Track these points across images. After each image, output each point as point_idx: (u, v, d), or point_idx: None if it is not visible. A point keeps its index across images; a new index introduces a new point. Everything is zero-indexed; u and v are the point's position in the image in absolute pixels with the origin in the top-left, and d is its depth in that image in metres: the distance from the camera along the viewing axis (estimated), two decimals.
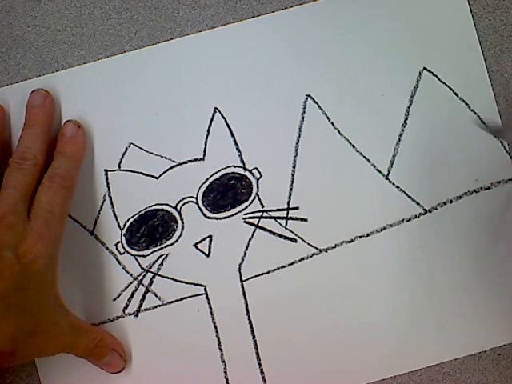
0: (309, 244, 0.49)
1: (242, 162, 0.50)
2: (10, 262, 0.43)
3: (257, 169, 0.50)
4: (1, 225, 0.44)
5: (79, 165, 0.49)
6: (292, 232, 0.49)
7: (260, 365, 0.49)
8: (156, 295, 0.50)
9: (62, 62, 0.51)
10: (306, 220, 0.49)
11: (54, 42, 0.51)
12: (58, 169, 0.47)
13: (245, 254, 0.49)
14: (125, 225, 0.50)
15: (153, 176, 0.50)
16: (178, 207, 0.49)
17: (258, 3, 0.50)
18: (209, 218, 0.49)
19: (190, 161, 0.50)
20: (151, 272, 0.50)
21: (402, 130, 0.49)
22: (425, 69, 0.49)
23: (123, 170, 0.50)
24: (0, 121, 0.49)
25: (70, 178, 0.47)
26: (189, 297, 0.49)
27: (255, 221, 0.49)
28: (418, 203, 0.49)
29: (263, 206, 0.50)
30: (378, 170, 0.49)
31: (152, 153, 0.50)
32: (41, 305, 0.44)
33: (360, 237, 0.49)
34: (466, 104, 0.49)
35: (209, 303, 0.49)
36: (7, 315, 0.43)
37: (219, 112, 0.50)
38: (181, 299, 0.50)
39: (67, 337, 0.46)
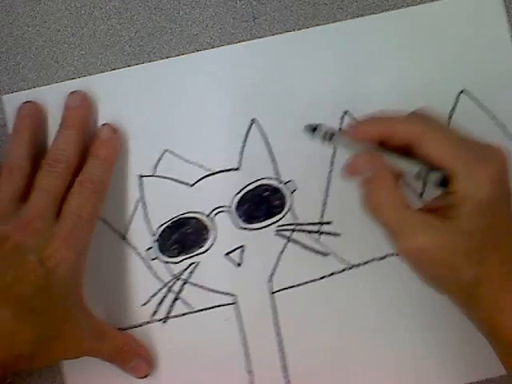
0: (340, 259, 0.49)
1: (277, 173, 0.50)
2: (34, 265, 0.43)
3: (291, 181, 0.50)
4: (28, 229, 0.44)
5: (111, 169, 0.48)
6: (324, 246, 0.49)
7: (286, 377, 0.49)
8: (185, 302, 0.50)
9: (61, 61, 0.51)
10: (338, 235, 0.50)
11: (53, 42, 0.51)
12: (89, 173, 0.47)
13: (276, 265, 0.50)
14: (157, 231, 0.50)
15: (187, 183, 0.50)
16: (211, 216, 0.49)
17: (258, 3, 0.50)
18: (241, 228, 0.50)
19: (225, 170, 0.50)
20: (182, 279, 0.50)
21: None
22: (463, 91, 0.50)
23: (158, 176, 0.50)
24: (37, 120, 0.49)
25: (101, 182, 0.47)
26: (218, 306, 0.50)
27: (288, 233, 0.50)
28: None
29: (296, 219, 0.50)
30: (412, 188, 0.49)
31: (187, 160, 0.50)
32: (63, 309, 0.44)
33: (392, 254, 0.49)
34: (503, 128, 0.50)
35: (238, 313, 0.49)
36: (28, 319, 0.42)
37: (256, 123, 0.50)
38: (210, 308, 0.50)
39: (89, 342, 0.46)
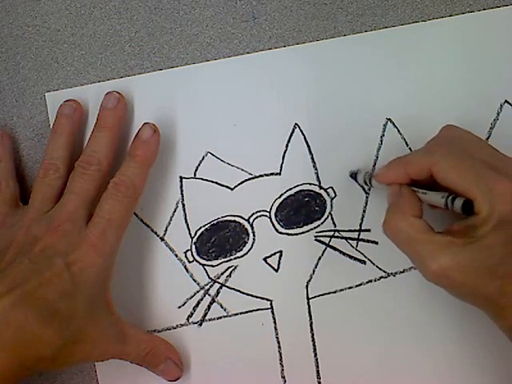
0: (377, 267, 0.49)
1: (318, 179, 0.50)
2: (60, 269, 0.43)
3: (332, 188, 0.50)
4: (57, 232, 0.44)
5: (147, 171, 0.48)
6: (362, 254, 0.49)
7: (320, 383, 0.49)
8: (221, 306, 0.50)
9: (61, 61, 0.51)
10: (376, 243, 0.49)
11: (53, 42, 0.51)
12: (124, 175, 0.46)
13: (313, 271, 0.49)
14: (196, 233, 0.50)
15: (228, 187, 0.50)
16: (251, 220, 0.49)
17: (258, 3, 0.51)
18: (280, 233, 0.49)
19: (267, 174, 0.50)
20: (218, 283, 0.49)
21: None
22: (506, 102, 0.50)
23: (198, 179, 0.50)
24: (76, 120, 0.49)
25: (136, 186, 0.46)
26: (254, 310, 0.50)
27: (326, 239, 0.50)
28: None
29: (335, 226, 0.50)
30: None
31: (229, 163, 0.50)
32: (88, 314, 0.44)
33: None
34: None
35: (273, 318, 0.49)
36: (51, 322, 0.42)
37: (299, 128, 0.50)
38: (246, 312, 0.50)
39: (114, 345, 0.45)
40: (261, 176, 0.50)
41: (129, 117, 0.50)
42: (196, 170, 0.50)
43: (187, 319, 0.50)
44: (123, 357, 0.46)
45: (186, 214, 0.50)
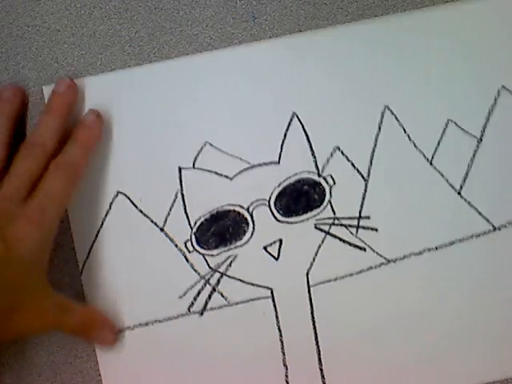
0: (378, 254, 0.49)
1: (317, 168, 0.50)
2: None
3: (331, 176, 0.50)
4: None
5: (88, 153, 0.49)
6: (362, 241, 0.50)
7: (322, 370, 0.49)
8: (222, 295, 0.50)
9: (61, 61, 0.51)
10: (376, 230, 0.50)
11: (53, 42, 0.51)
12: (65, 156, 0.47)
13: (314, 259, 0.50)
14: (195, 223, 0.50)
15: (226, 176, 0.50)
16: (250, 209, 0.49)
17: (258, 3, 0.51)
18: (280, 221, 0.50)
19: (265, 164, 0.50)
20: (219, 272, 0.50)
21: (477, 147, 0.50)
22: (503, 87, 0.50)
23: (197, 169, 0.50)
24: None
25: (76, 165, 0.48)
26: (255, 299, 0.50)
27: (326, 227, 0.50)
28: (487, 220, 0.50)
29: (335, 213, 0.50)
30: (450, 184, 0.50)
31: (227, 153, 0.50)
32: (23, 284, 0.45)
33: (429, 249, 0.49)
34: None
35: (274, 306, 0.49)
36: None
37: (297, 117, 0.50)
38: (247, 301, 0.50)
39: (52, 315, 0.46)
40: (259, 165, 0.50)
41: (129, 108, 0.50)
42: (195, 160, 0.50)
43: (188, 309, 0.50)
44: (62, 327, 0.47)
45: (185, 205, 0.50)
